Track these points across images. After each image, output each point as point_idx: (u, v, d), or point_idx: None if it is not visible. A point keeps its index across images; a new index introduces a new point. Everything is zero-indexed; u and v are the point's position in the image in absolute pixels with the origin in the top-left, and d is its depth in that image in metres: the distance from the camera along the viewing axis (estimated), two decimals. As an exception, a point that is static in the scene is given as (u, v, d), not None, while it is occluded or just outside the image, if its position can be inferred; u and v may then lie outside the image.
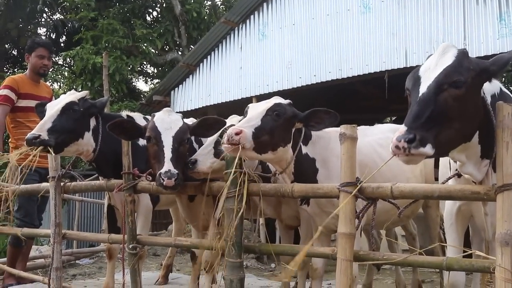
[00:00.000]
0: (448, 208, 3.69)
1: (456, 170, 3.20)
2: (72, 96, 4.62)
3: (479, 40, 8.85)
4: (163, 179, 3.80)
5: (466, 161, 3.01)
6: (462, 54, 2.88)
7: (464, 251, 3.22)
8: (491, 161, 3.00)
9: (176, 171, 3.83)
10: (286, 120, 3.72)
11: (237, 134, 3.42)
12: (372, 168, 4.11)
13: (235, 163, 3.70)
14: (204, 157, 3.99)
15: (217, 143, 3.94)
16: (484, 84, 3.01)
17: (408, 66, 9.47)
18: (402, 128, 2.63)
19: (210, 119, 4.30)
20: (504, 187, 2.76)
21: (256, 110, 3.72)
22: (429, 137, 2.62)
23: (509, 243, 2.71)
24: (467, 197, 3.04)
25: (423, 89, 2.79)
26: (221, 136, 3.90)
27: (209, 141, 4.11)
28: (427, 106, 2.71)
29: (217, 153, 3.93)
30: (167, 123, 4.13)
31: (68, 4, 18.95)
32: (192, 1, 19.92)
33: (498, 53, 8.45)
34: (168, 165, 3.87)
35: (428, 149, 2.60)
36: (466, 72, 2.81)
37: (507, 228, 2.73)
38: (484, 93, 3.02)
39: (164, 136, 4.04)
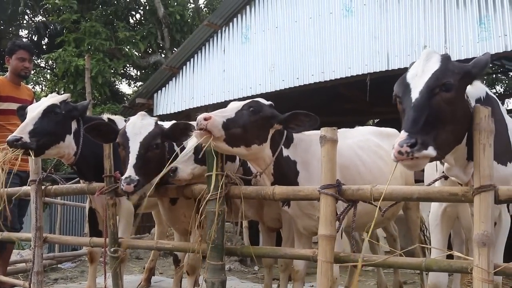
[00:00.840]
0: (434, 209, 3.73)
1: (443, 172, 3.24)
2: (54, 99, 4.62)
3: (460, 43, 8.93)
4: (123, 185, 3.82)
5: (454, 163, 3.07)
6: (446, 59, 2.96)
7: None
8: None
9: (137, 177, 3.83)
10: (262, 118, 3.74)
11: (205, 119, 3.45)
12: (352, 170, 4.16)
13: (215, 165, 3.72)
14: (185, 164, 3.99)
15: (198, 149, 3.95)
16: (468, 88, 3.08)
17: (390, 69, 9.52)
18: (402, 134, 2.67)
19: (180, 124, 4.28)
20: (481, 188, 2.82)
21: (234, 105, 3.78)
22: (429, 140, 2.67)
23: (486, 244, 2.76)
24: (445, 198, 3.09)
25: (415, 94, 2.83)
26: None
27: (189, 146, 4.11)
28: (422, 111, 2.75)
29: (198, 158, 3.94)
30: (138, 128, 4.12)
31: (50, 6, 18.81)
32: (175, 3, 19.89)
33: (478, 56, 8.64)
34: (129, 171, 3.88)
35: (431, 150, 2.64)
36: (453, 76, 2.87)
37: (484, 229, 2.78)
38: (467, 97, 3.07)
39: (131, 142, 4.04)
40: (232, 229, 9.15)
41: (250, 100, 3.84)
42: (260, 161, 3.83)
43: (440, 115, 2.78)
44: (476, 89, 3.34)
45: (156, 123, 4.25)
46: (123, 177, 3.86)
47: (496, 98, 3.53)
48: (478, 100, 3.26)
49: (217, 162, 3.75)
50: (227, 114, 3.62)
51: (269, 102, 3.90)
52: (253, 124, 3.69)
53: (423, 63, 2.96)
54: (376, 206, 3.10)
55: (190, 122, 4.27)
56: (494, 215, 2.94)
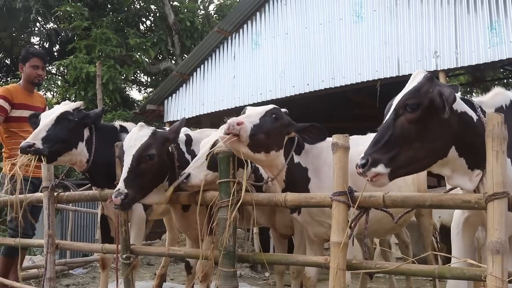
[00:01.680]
0: (456, 217, 3.69)
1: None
2: (67, 106, 4.65)
3: (471, 49, 8.91)
4: (112, 198, 3.88)
5: (452, 174, 3.15)
6: (426, 79, 3.06)
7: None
8: (484, 171, 3.05)
9: (125, 191, 3.84)
10: (282, 125, 3.81)
11: (238, 124, 3.49)
12: (361, 178, 4.14)
13: (230, 172, 3.74)
14: (197, 170, 4.00)
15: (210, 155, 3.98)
16: (486, 97, 3.28)
17: (401, 74, 9.52)
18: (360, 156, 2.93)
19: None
20: (495, 195, 2.80)
21: (255, 111, 3.81)
22: (382, 158, 2.91)
23: (499, 251, 2.74)
24: (458, 205, 3.07)
25: (387, 116, 3.03)
26: (214, 146, 3.93)
27: (202, 153, 4.12)
28: (386, 132, 2.98)
29: (210, 165, 3.96)
30: (133, 140, 4.10)
31: (61, 13, 18.96)
32: (185, 10, 19.97)
33: (489, 61, 8.63)
34: (120, 184, 3.91)
35: (380, 168, 2.89)
36: (424, 95, 2.98)
37: (497, 237, 2.76)
38: (477, 107, 3.15)
39: (126, 155, 4.04)
40: (243, 235, 9.14)
41: (272, 107, 3.87)
42: (273, 167, 3.85)
43: (403, 134, 2.95)
44: (498, 97, 3.38)
45: (153, 133, 4.18)
46: (115, 189, 3.91)
47: None
48: (499, 109, 3.28)
49: (229, 169, 3.76)
50: (252, 120, 3.66)
51: (285, 110, 3.94)
52: (275, 130, 3.75)
53: (408, 84, 3.11)
54: (390, 214, 3.10)
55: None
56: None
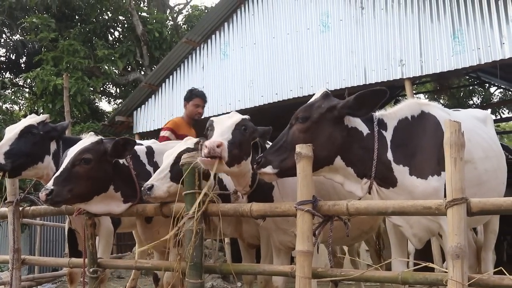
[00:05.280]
0: None
1: None
2: (32, 119, 4.61)
3: (435, 57, 9.08)
4: (40, 193, 3.89)
5: (344, 181, 3.55)
6: (322, 96, 3.60)
7: (419, 264, 3.30)
8: (371, 180, 3.45)
9: (52, 187, 3.86)
10: (250, 134, 3.86)
11: (218, 146, 3.51)
12: (328, 186, 4.19)
13: (196, 183, 3.75)
14: (160, 181, 3.99)
15: (174, 167, 3.97)
16: (391, 110, 3.66)
17: (368, 83, 9.63)
18: None
19: (120, 140, 4.24)
20: (454, 201, 2.87)
21: (224, 124, 3.80)
22: (274, 160, 3.44)
23: (459, 256, 2.81)
24: (419, 212, 3.13)
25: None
26: (178, 158, 3.93)
27: (165, 164, 4.12)
28: (281, 138, 3.53)
29: (174, 176, 3.96)
30: (77, 146, 4.14)
31: (28, 24, 18.71)
32: (154, 21, 19.88)
33: (453, 69, 8.79)
34: (50, 182, 3.94)
35: (268, 169, 3.44)
36: (315, 110, 3.49)
37: (457, 242, 2.83)
38: (374, 121, 3.53)
39: (67, 158, 4.07)
40: (214, 246, 9.11)
41: (239, 118, 3.88)
42: (243, 176, 3.86)
43: (292, 141, 3.43)
44: (404, 109, 3.68)
45: (97, 141, 4.21)
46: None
47: (436, 116, 3.65)
48: (403, 120, 3.62)
49: (194, 180, 3.77)
50: (226, 137, 3.66)
51: (247, 116, 3.97)
52: (246, 142, 3.80)
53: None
54: (345, 222, 3.17)
55: (130, 138, 4.37)
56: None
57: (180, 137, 6.35)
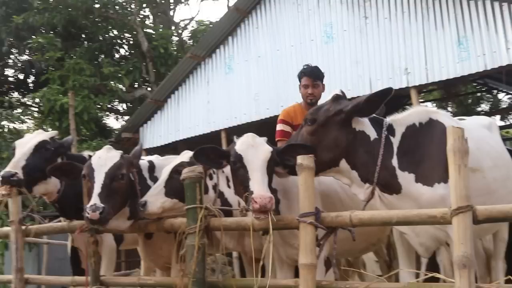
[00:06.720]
0: None
1: None
2: (43, 135, 4.60)
3: (440, 64, 9.01)
4: (88, 213, 3.76)
5: (350, 183, 3.59)
6: (332, 98, 3.61)
7: (425, 275, 3.23)
8: (373, 185, 3.45)
9: (102, 205, 3.78)
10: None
11: (270, 202, 3.32)
12: (333, 198, 4.12)
13: (197, 198, 3.69)
14: (155, 197, 3.95)
15: (168, 182, 3.93)
16: (400, 116, 3.66)
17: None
18: None
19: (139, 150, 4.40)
20: (459, 209, 2.79)
21: (258, 160, 3.58)
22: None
23: (466, 266, 2.72)
24: (424, 221, 3.06)
25: None
26: (172, 173, 3.89)
27: (160, 180, 4.08)
28: (294, 139, 3.73)
29: (168, 191, 3.91)
30: (103, 159, 4.09)
31: (34, 44, 18.83)
32: (159, 37, 19.96)
33: (459, 76, 8.70)
34: (94, 199, 3.83)
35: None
36: (323, 113, 3.55)
37: (463, 251, 2.75)
38: (384, 126, 3.53)
39: (97, 173, 4.00)
40: (224, 260, 9.03)
41: (270, 149, 3.67)
42: None
43: (302, 142, 3.57)
44: (412, 116, 3.66)
45: (121, 155, 4.21)
46: (88, 205, 3.81)
47: (443, 123, 3.57)
48: (410, 127, 3.59)
49: (196, 195, 3.71)
50: (265, 179, 3.52)
51: (265, 138, 3.87)
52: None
53: None
54: (351, 231, 3.09)
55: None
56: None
57: (295, 127, 5.38)
